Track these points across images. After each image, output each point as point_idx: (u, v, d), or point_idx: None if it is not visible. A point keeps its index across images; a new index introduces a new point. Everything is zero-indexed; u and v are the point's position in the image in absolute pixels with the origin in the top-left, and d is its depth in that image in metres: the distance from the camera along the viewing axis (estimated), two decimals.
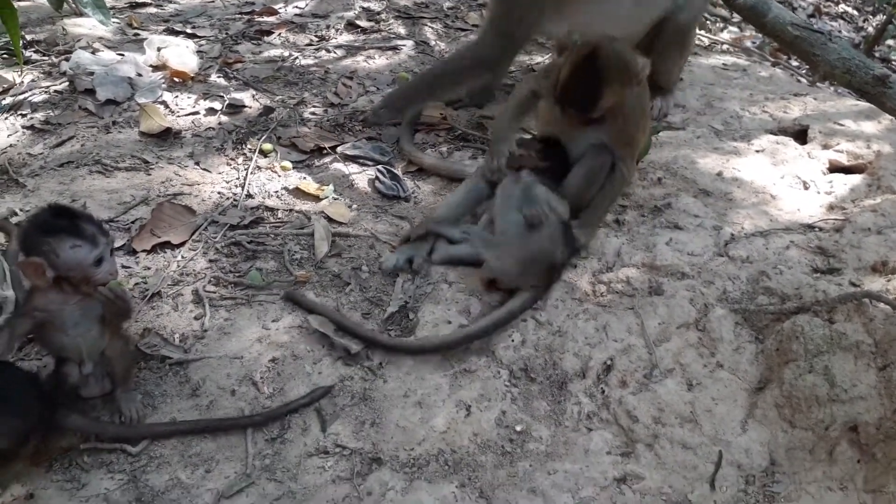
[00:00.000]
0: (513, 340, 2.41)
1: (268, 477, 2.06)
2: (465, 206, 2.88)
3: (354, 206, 3.04)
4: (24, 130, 3.27)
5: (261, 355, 2.35)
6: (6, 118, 3.34)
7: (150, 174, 3.04)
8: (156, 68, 3.72)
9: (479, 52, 3.41)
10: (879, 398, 2.13)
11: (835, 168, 3.25)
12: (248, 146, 3.31)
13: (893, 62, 6.64)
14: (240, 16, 4.63)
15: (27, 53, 3.86)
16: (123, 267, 2.56)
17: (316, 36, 4.40)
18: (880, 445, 2.06)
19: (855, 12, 7.85)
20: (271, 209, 2.97)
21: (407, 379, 2.33)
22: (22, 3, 4.42)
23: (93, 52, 3.79)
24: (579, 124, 2.66)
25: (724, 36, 5.62)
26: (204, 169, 3.15)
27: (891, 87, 2.94)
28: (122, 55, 3.76)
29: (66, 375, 2.10)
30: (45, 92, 3.53)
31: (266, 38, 4.31)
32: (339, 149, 3.36)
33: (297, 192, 3.08)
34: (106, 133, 3.26)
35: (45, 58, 3.88)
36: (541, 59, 4.27)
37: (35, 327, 2.02)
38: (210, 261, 2.66)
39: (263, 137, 3.35)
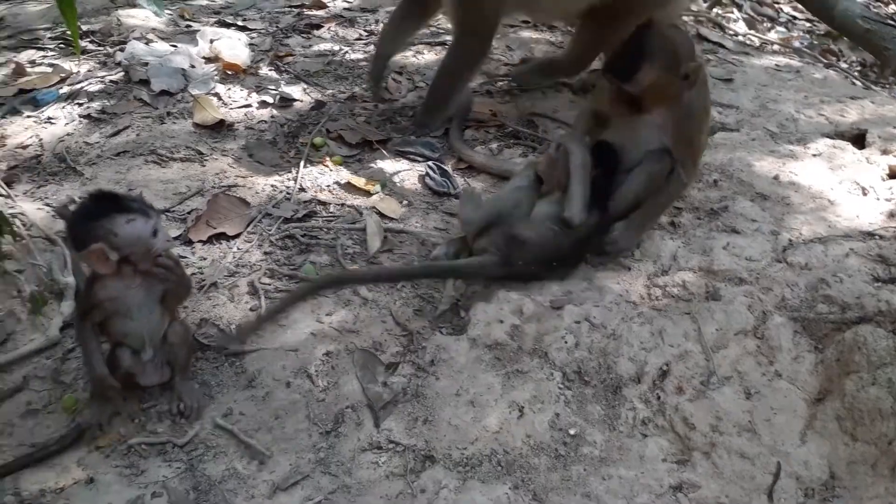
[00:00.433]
0: (566, 342, 2.39)
1: (322, 470, 2.07)
2: (512, 201, 2.85)
3: (405, 201, 3.04)
4: (81, 119, 3.32)
5: (315, 348, 2.36)
6: (63, 107, 3.40)
7: (204, 165, 3.06)
8: (208, 60, 3.75)
9: (470, 48, 3.42)
10: None
11: (895, 174, 3.18)
12: (300, 140, 3.33)
13: None
14: (289, 9, 4.65)
15: (83, 43, 3.91)
16: (181, 257, 2.58)
17: (365, 30, 4.41)
18: None
19: None
20: (323, 203, 2.98)
21: (458, 377, 2.32)
22: None
23: (147, 43, 3.84)
24: (627, 110, 2.63)
25: (772, 36, 5.53)
26: (257, 162, 3.17)
27: None
28: (176, 46, 3.80)
29: (121, 361, 2.12)
30: (101, 82, 3.58)
31: (315, 32, 4.33)
32: (389, 144, 3.37)
33: (349, 187, 3.09)
34: (160, 123, 3.30)
35: (101, 48, 3.93)
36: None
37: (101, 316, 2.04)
38: (265, 253, 2.68)
39: (314, 131, 3.36)
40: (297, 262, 2.67)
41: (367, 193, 3.06)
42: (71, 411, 2.13)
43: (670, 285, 2.56)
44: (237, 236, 2.74)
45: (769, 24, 6.06)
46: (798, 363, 2.32)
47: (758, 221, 2.82)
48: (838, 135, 3.48)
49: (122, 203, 1.98)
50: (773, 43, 5.20)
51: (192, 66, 3.63)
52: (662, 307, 2.50)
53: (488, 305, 2.50)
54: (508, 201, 2.73)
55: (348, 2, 4.80)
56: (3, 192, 2.62)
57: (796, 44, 5.46)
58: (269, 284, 2.57)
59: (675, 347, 2.38)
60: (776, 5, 6.27)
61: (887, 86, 4.66)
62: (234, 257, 2.65)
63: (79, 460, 2.03)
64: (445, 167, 3.22)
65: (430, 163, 3.24)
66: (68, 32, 3.88)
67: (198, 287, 2.50)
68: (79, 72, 3.66)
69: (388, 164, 3.25)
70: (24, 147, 3.13)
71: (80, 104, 3.41)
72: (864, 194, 3.05)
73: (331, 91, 3.71)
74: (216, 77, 3.62)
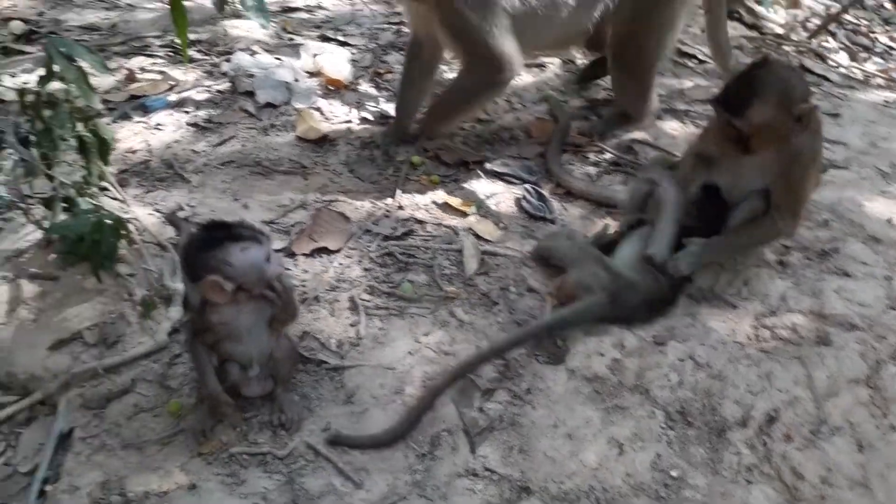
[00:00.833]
0: (669, 380, 2.34)
1: (418, 493, 2.06)
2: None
3: (501, 224, 3.03)
4: (188, 127, 3.40)
5: (413, 368, 2.36)
6: (171, 114, 3.49)
7: (307, 179, 3.11)
8: (311, 74, 3.81)
9: (493, 67, 3.16)
10: None
11: None
12: (399, 157, 3.34)
13: None
14: (388, 25, 4.70)
15: (190, 52, 4.02)
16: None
17: None
18: None
19: None
20: (421, 222, 2.98)
21: (556, 408, 2.29)
22: (186, 3, 4.62)
23: (252, 55, 3.93)
24: (734, 150, 2.56)
25: (870, 67, 5.34)
26: (357, 178, 3.20)
27: None
28: (280, 59, 3.87)
29: (229, 375, 2.15)
30: (208, 91, 3.67)
31: None
32: (486, 165, 3.36)
33: (446, 207, 3.09)
34: (264, 135, 3.36)
35: (207, 57, 4.03)
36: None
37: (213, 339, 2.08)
38: (365, 269, 2.70)
39: (413, 150, 3.37)
40: (395, 279, 2.68)
41: (464, 214, 3.06)
42: (176, 416, 2.18)
43: (779, 327, 2.48)
44: (338, 251, 2.76)
45: (865, 55, 5.86)
46: None
47: (870, 265, 2.71)
48: None
49: (234, 231, 2.02)
50: (874, 75, 5.02)
51: (296, 80, 3.69)
52: (770, 349, 2.42)
53: (588, 337, 2.46)
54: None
55: None
56: (119, 198, 2.69)
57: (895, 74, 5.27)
58: (369, 301, 2.58)
59: (783, 393, 2.30)
60: (872, 35, 6.07)
61: None
62: (335, 272, 2.67)
63: (182, 465, 2.08)
64: (542, 191, 3.19)
65: (526, 186, 3.22)
66: (177, 41, 4.01)
67: (300, 300, 2.53)
68: (186, 80, 3.76)
69: (484, 185, 3.24)
70: (134, 152, 3.23)
71: (188, 112, 3.50)
72: None
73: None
74: (318, 91, 3.68)
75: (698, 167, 2.70)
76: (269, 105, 3.55)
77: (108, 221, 2.19)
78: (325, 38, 4.34)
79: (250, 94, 3.61)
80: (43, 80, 2.26)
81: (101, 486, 2.01)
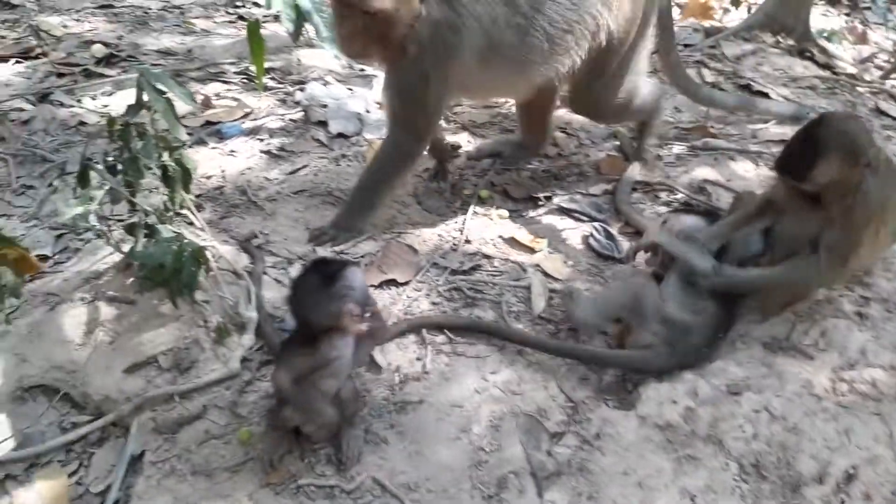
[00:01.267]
0: (744, 432, 2.27)
1: None
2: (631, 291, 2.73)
3: (569, 261, 3.00)
4: (262, 154, 3.47)
5: (480, 407, 2.34)
6: (246, 141, 3.57)
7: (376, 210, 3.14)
8: (382, 106, 3.86)
9: (404, 149, 3.03)
10: None
11: None
12: (466, 191, 3.35)
13: None
14: None
15: (265, 80, 4.11)
16: None
17: None
18: None
19: None
20: (488, 257, 2.98)
21: (626, 455, 2.24)
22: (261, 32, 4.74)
23: (325, 85, 4.00)
24: (804, 205, 2.50)
25: None
26: (425, 210, 3.22)
27: None
28: (352, 90, 3.93)
29: (287, 420, 2.16)
30: (281, 119, 3.75)
31: None
32: (554, 200, 3.35)
33: (513, 242, 3.08)
34: (336, 165, 3.41)
35: (281, 85, 4.12)
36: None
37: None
38: (433, 303, 2.70)
39: (481, 184, 3.38)
40: (462, 314, 2.67)
41: (531, 250, 3.04)
42: (246, 444, 2.19)
43: (858, 381, 2.40)
44: (406, 284, 2.77)
45: None
46: None
47: None
48: None
49: (336, 262, 2.10)
50: None
51: (367, 111, 3.74)
52: (849, 404, 2.34)
53: (660, 384, 2.42)
54: (627, 292, 2.66)
55: None
56: (198, 225, 2.75)
57: None
58: (436, 335, 2.58)
59: (863, 450, 2.21)
60: None
61: None
62: (403, 305, 2.68)
63: (250, 494, 2.09)
64: (611, 230, 3.16)
65: (595, 224, 3.20)
66: (252, 68, 4.11)
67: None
68: (260, 108, 3.84)
69: (551, 221, 3.23)
70: (209, 177, 3.30)
71: (261, 140, 3.57)
72: None
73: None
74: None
75: (765, 211, 2.66)
76: (341, 135, 3.61)
77: (189, 250, 2.23)
78: None
79: (323, 124, 3.67)
80: (132, 110, 2.33)
81: None
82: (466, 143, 3.73)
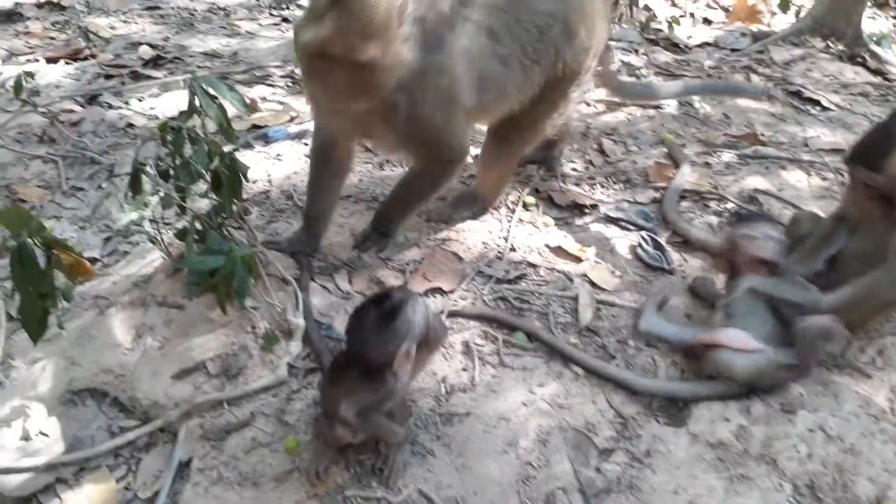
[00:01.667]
0: (798, 452, 2.22)
1: None
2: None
3: (617, 272, 2.96)
4: (307, 159, 3.46)
5: (527, 420, 2.31)
6: (292, 145, 3.57)
7: (420, 216, 3.12)
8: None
9: (454, 158, 2.78)
10: None
11: None
12: (511, 198, 3.32)
13: None
14: None
15: None
16: None
17: None
18: None
19: None
20: (534, 265, 2.95)
21: (677, 473, 2.20)
22: None
23: None
24: (878, 210, 2.43)
25: None
26: (469, 216, 3.19)
27: None
28: None
29: (340, 439, 2.14)
30: None
31: None
32: (601, 209, 3.30)
33: (559, 251, 3.04)
34: (380, 170, 3.40)
35: None
36: None
37: None
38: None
39: (526, 190, 3.35)
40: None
41: (578, 259, 3.00)
42: (293, 452, 2.19)
43: None
44: (452, 292, 2.75)
45: None
46: None
47: None
48: None
49: (396, 298, 2.06)
50: None
51: None
52: None
53: (711, 402, 2.36)
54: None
55: None
56: (247, 230, 2.76)
57: None
58: (483, 346, 2.56)
59: None
60: None
61: None
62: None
63: None
64: (659, 239, 3.11)
65: (642, 233, 3.15)
66: (298, 71, 4.12)
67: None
68: (305, 111, 3.84)
69: (598, 230, 3.19)
70: (255, 181, 3.31)
71: (307, 144, 3.57)
72: None
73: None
74: None
75: (836, 231, 2.58)
76: None
77: (240, 256, 2.23)
78: None
79: None
80: (184, 115, 2.33)
81: None
82: None
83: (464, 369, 2.48)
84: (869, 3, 6.03)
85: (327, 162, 2.87)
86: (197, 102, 2.36)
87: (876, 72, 5.06)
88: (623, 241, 3.14)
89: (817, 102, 4.36)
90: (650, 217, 3.26)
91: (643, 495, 2.14)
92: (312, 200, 2.90)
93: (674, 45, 5.19)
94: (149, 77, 4.35)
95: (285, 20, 5.40)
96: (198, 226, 2.44)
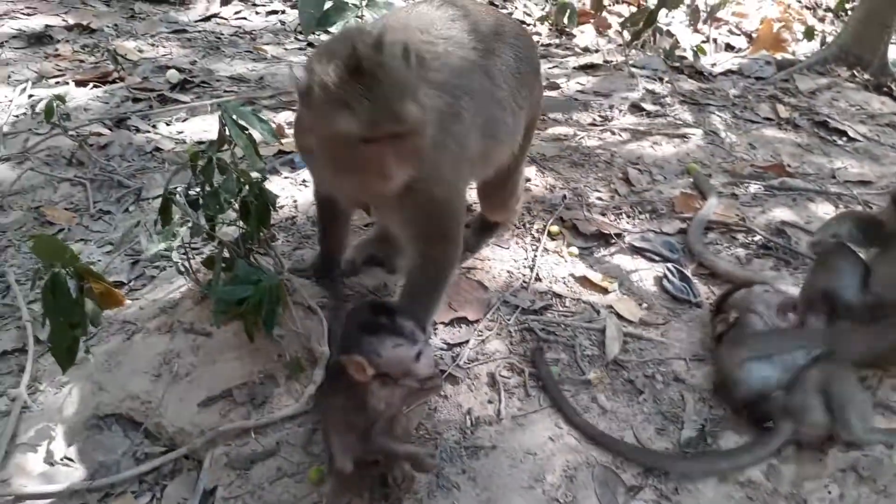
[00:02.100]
0: (829, 493, 2.18)
1: None
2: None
3: (643, 304, 2.94)
4: None
5: (553, 456, 2.29)
6: None
7: None
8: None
9: (445, 264, 2.52)
10: None
11: None
12: (535, 226, 3.31)
13: None
14: None
15: None
16: None
17: (599, 115, 4.38)
18: None
19: None
20: (559, 296, 2.93)
21: None
22: None
23: None
24: None
25: None
26: (494, 244, 3.18)
27: None
28: None
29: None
30: None
31: (550, 115, 4.35)
32: (626, 239, 3.29)
33: (584, 281, 3.03)
34: None
35: None
36: None
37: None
38: (504, 343, 2.66)
39: (551, 220, 3.34)
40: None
41: (604, 290, 2.99)
42: (317, 483, 2.17)
43: None
44: (477, 322, 2.74)
45: None
46: None
47: None
48: None
49: (395, 324, 2.03)
50: None
51: None
52: None
53: (740, 438, 2.33)
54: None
55: (581, 84, 4.81)
56: (274, 258, 2.76)
57: None
58: (509, 378, 2.54)
59: None
60: None
61: None
62: (474, 343, 2.65)
63: None
64: (685, 272, 3.08)
65: (668, 265, 3.12)
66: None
67: (440, 370, 2.50)
68: None
69: (623, 261, 3.17)
70: (281, 207, 3.32)
71: None
72: None
73: (565, 177, 3.70)
74: None
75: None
76: None
77: (269, 285, 2.23)
78: None
79: None
80: (214, 145, 2.35)
81: None
82: (535, 175, 3.70)
83: (489, 401, 2.46)
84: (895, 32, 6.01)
85: (333, 210, 2.74)
86: (226, 132, 2.37)
87: None
88: (649, 272, 3.12)
89: (844, 133, 4.33)
90: (676, 248, 3.23)
91: None
92: (324, 233, 2.85)
93: (698, 73, 5.18)
94: (176, 101, 4.39)
95: (311, 45, 5.44)
96: (225, 254, 2.44)
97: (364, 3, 3.39)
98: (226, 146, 2.45)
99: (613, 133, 4.17)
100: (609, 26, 6.40)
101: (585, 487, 2.21)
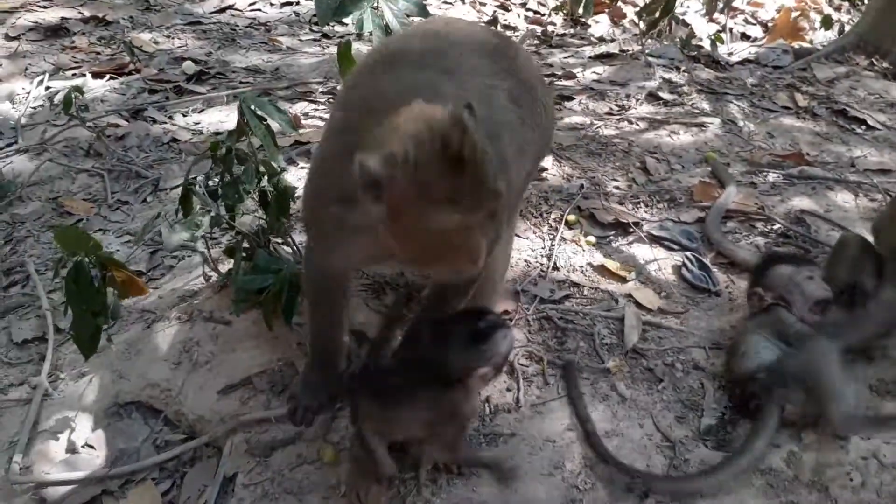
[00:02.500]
0: (851, 480, 2.17)
1: None
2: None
3: (662, 293, 2.92)
4: None
5: (573, 444, 2.29)
6: None
7: None
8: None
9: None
10: None
11: None
12: (553, 216, 3.30)
13: None
14: None
15: None
16: None
17: (616, 105, 4.36)
18: None
19: None
20: (577, 285, 2.92)
21: (725, 500, 2.15)
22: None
23: None
24: None
25: None
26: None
27: None
28: None
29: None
30: None
31: (567, 104, 4.34)
32: (644, 227, 3.27)
33: (602, 270, 3.01)
34: None
35: None
36: None
37: None
38: (523, 332, 2.66)
39: (568, 209, 3.32)
40: (552, 345, 2.62)
41: (622, 279, 2.97)
42: (332, 462, 2.18)
43: None
44: (515, 311, 2.73)
45: None
46: None
47: None
48: None
49: (491, 319, 2.11)
50: None
51: None
52: None
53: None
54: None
55: (597, 73, 4.79)
56: (291, 245, 2.77)
57: None
58: (528, 366, 2.54)
59: None
60: None
61: None
62: None
63: None
64: (704, 260, 3.06)
65: (687, 253, 3.10)
66: (339, 87, 4.14)
67: None
68: None
69: (642, 250, 3.15)
70: (297, 198, 3.32)
71: None
72: None
73: (582, 166, 3.68)
74: None
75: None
76: None
77: (289, 275, 2.24)
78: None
79: None
80: (232, 136, 2.35)
81: None
82: (552, 165, 3.68)
83: (508, 389, 2.46)
84: None
85: (337, 292, 2.28)
86: (245, 122, 2.37)
87: None
88: (667, 261, 3.10)
89: (863, 122, 4.28)
90: (694, 237, 3.21)
91: None
92: (327, 339, 2.35)
93: (715, 63, 5.13)
94: (192, 92, 4.41)
95: (325, 36, 5.44)
96: (245, 244, 2.45)
97: None
98: (243, 137, 2.46)
99: (630, 122, 4.14)
100: (624, 16, 6.36)
101: (605, 475, 2.21)
